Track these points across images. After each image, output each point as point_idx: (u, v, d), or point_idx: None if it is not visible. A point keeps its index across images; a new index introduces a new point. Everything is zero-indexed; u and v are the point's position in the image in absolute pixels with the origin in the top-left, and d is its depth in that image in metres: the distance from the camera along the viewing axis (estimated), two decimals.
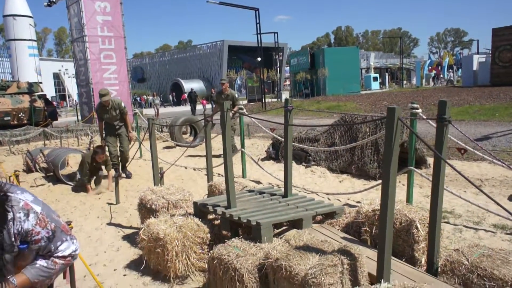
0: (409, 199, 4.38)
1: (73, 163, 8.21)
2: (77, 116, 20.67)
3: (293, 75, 36.91)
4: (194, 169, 7.57)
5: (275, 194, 3.81)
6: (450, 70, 43.39)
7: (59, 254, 1.53)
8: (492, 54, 25.96)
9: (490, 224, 4.04)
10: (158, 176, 4.84)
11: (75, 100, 35.66)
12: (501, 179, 5.78)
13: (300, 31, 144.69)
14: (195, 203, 3.71)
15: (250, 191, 3.97)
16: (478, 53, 39.56)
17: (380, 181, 5.01)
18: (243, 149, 6.65)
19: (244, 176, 6.63)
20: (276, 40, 32.22)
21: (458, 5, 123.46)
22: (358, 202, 4.89)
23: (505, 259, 2.50)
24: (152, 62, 52.76)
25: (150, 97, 23.70)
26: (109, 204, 5.51)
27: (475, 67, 28.20)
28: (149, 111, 28.42)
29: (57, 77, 52.25)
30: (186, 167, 7.78)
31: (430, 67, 43.67)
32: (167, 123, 13.12)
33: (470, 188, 5.45)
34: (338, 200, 5.11)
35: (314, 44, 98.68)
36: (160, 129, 12.45)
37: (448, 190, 4.31)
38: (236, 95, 8.70)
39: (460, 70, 38.36)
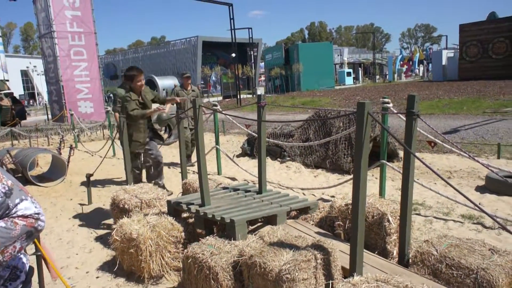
0: (381, 192, 4.47)
1: (43, 164, 7.98)
2: (47, 114, 20.08)
3: (268, 71, 36.99)
4: (169, 167, 7.49)
5: (249, 191, 3.81)
6: (421, 64, 44.45)
7: (19, 213, 1.40)
8: (459, 49, 26.77)
9: (459, 215, 4.17)
10: (131, 175, 4.76)
11: (45, 99, 34.60)
12: (469, 171, 5.96)
13: (274, 26, 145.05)
14: (168, 202, 3.67)
15: (224, 188, 3.96)
16: (447, 48, 40.69)
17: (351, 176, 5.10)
18: (217, 146, 6.61)
19: (219, 173, 6.61)
20: (251, 36, 32.14)
21: (427, 1, 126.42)
22: (332, 196, 4.96)
23: (471, 248, 2.59)
24: (125, 58, 51.77)
25: None
26: (81, 204, 5.39)
27: (444, 62, 29.02)
28: None
29: (25, 74, 50.60)
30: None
31: (401, 62, 44.62)
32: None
33: (440, 180, 5.61)
34: (313, 195, 5.16)
35: (289, 40, 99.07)
36: None
37: (418, 183, 4.42)
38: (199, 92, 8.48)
39: (430, 65, 39.34)
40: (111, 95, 39.58)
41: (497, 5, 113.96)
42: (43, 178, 6.92)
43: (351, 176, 5.24)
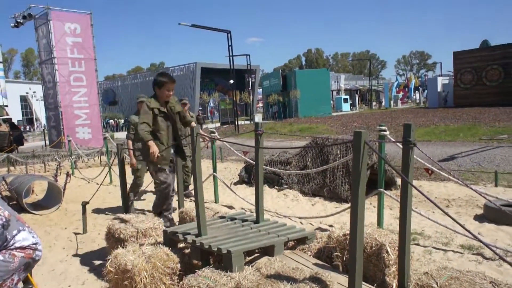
0: (380, 222, 4.43)
1: (38, 191, 7.92)
2: (45, 140, 20.08)
3: (265, 97, 37.32)
4: None
5: (246, 220, 3.77)
6: (417, 91, 45.00)
7: (17, 244, 1.38)
8: (454, 76, 27.17)
9: (458, 245, 4.13)
10: (128, 203, 4.72)
11: (43, 124, 34.70)
12: (467, 199, 5.94)
13: (272, 53, 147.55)
14: (165, 232, 3.62)
15: (221, 217, 3.92)
16: (441, 75, 41.31)
17: (350, 205, 5.06)
18: (215, 173, 6.59)
19: (216, 201, 6.56)
20: (249, 62, 32.64)
21: (422, 29, 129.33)
22: (331, 225, 4.91)
23: (472, 281, 2.54)
24: (124, 84, 52.25)
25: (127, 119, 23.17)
26: (76, 233, 5.31)
27: (439, 89, 29.40)
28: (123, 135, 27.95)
29: (24, 100, 50.88)
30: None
31: (397, 89, 45.19)
32: (138, 147, 12.92)
33: (437, 209, 5.57)
34: (310, 224, 5.11)
35: (286, 66, 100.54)
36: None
37: (416, 212, 4.40)
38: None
39: (425, 92, 39.82)
40: (110, 121, 39.75)
41: (489, 33, 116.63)
42: (38, 206, 6.85)
43: (349, 205, 5.21)
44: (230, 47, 23.11)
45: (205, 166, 10.41)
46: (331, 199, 6.21)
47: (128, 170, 5.81)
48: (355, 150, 2.29)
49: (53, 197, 6.86)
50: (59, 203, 6.62)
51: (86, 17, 16.50)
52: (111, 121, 39.85)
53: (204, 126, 27.95)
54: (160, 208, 4.72)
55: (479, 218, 4.98)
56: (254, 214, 3.83)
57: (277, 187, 7.03)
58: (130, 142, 6.17)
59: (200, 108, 37.29)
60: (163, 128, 4.42)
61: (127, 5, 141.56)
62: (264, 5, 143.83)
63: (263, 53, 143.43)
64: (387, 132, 4.60)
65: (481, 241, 2.38)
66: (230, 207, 6.22)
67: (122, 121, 41.69)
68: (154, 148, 4.10)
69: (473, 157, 9.14)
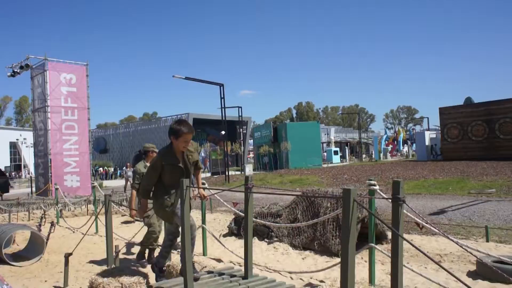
0: (371, 278, 4.33)
1: (20, 240, 7.66)
2: (31, 188, 19.73)
3: (256, 148, 37.62)
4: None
5: (235, 275, 3.66)
6: (405, 144, 45.80)
7: None
8: (441, 131, 27.83)
9: None
10: (113, 256, 4.57)
11: (31, 171, 34.26)
12: (459, 254, 5.87)
13: (263, 105, 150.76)
14: (150, 287, 3.48)
15: (209, 272, 3.81)
16: (429, 129, 42.29)
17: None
18: (204, 225, 6.47)
19: (204, 253, 6.38)
20: (240, 114, 33.22)
21: (408, 85, 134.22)
22: (321, 281, 4.77)
23: None
24: (116, 133, 52.48)
25: (124, 168, 22.84)
26: (56, 287, 5.08)
27: (427, 142, 29.97)
28: (117, 183, 27.66)
29: (14, 146, 50.57)
30: None
31: (386, 142, 45.98)
32: (127, 197, 12.73)
33: (430, 264, 5.48)
34: (301, 279, 4.96)
35: (277, 118, 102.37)
36: (120, 203, 12.03)
37: (408, 268, 4.31)
38: None
39: (414, 145, 40.52)
40: (99, 168, 39.43)
41: (472, 90, 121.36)
42: (19, 257, 6.58)
43: (339, 260, 5.12)
44: (222, 99, 23.59)
45: (194, 217, 10.22)
46: (322, 253, 6.08)
47: (116, 219, 5.67)
48: (345, 206, 2.30)
49: (35, 248, 6.62)
50: (41, 254, 6.38)
51: (82, 68, 16.86)
52: (101, 169, 39.53)
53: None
54: (164, 261, 4.32)
55: (472, 275, 4.89)
56: (243, 269, 3.73)
57: (267, 240, 6.89)
58: (134, 193, 5.85)
59: None
60: (175, 184, 3.87)
61: (124, 56, 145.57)
62: (257, 58, 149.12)
63: (255, 105, 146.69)
64: (377, 187, 4.61)
65: None
66: (219, 260, 6.05)
67: (112, 169, 41.40)
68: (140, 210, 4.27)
69: (463, 211, 9.15)
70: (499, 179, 13.73)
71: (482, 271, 4.78)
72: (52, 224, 6.74)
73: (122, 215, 10.74)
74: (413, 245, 2.04)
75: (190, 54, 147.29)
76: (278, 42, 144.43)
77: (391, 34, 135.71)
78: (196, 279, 3.51)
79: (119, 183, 28.90)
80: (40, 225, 7.66)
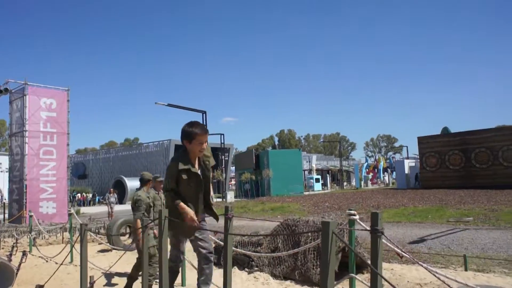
0: None
1: None
2: (4, 214, 19.06)
3: (238, 175, 37.51)
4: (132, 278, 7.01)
5: None
6: (385, 172, 46.42)
7: None
8: (420, 159, 28.37)
9: None
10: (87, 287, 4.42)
11: (5, 197, 33.18)
12: (439, 283, 5.88)
13: (246, 132, 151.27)
14: None
15: None
16: (408, 157, 43.06)
17: None
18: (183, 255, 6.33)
19: (183, 284, 6.23)
20: (223, 141, 33.24)
21: (388, 113, 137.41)
22: None
23: None
24: (96, 158, 51.66)
25: (107, 194, 22.35)
26: None
27: (406, 171, 30.44)
28: (95, 210, 26.97)
29: None
30: (121, 275, 7.20)
31: (367, 170, 46.52)
32: (104, 224, 12.43)
33: None
34: None
35: (259, 146, 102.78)
36: (97, 231, 11.71)
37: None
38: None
39: (394, 173, 41.09)
40: (77, 194, 38.49)
41: (449, 120, 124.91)
42: None
43: None
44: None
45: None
46: (302, 283, 6.01)
47: (92, 248, 5.47)
48: (324, 239, 2.30)
49: (3, 279, 6.34)
50: (10, 286, 6.11)
51: (63, 93, 16.72)
52: (79, 195, 38.61)
53: None
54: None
55: None
56: None
57: (247, 270, 6.79)
58: (139, 222, 5.62)
59: None
60: (192, 194, 3.62)
61: (105, 80, 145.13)
62: (240, 86, 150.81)
63: (237, 132, 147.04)
64: (357, 217, 4.63)
65: None
66: None
67: (90, 195, 40.48)
68: (188, 211, 3.52)
69: (442, 239, 9.23)
70: (476, 207, 13.99)
71: None
72: (24, 253, 6.51)
73: (99, 244, 10.44)
74: (388, 282, 2.05)
75: (173, 80, 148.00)
76: (261, 70, 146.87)
77: (371, 64, 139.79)
78: None
79: (97, 209, 28.23)
80: (11, 254, 7.37)
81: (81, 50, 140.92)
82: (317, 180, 41.57)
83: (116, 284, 6.55)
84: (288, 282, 6.21)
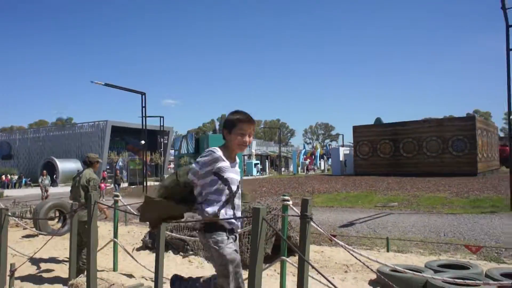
0: None
1: None
2: None
3: (177, 159, 37.00)
4: (59, 262, 6.72)
5: None
6: (322, 159, 48.20)
7: None
8: (354, 147, 29.77)
9: None
10: (6, 276, 4.17)
11: None
12: (361, 265, 6.29)
13: (186, 116, 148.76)
14: None
15: None
16: (343, 145, 44.99)
17: None
18: (115, 239, 6.19)
19: (115, 269, 6.09)
20: (162, 124, 32.47)
21: (325, 103, 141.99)
22: None
23: None
24: (23, 138, 48.11)
25: (40, 177, 20.89)
26: None
27: (341, 158, 31.81)
28: (21, 192, 25.20)
29: None
30: (47, 261, 6.87)
31: (305, 156, 47.98)
32: (31, 208, 11.72)
33: (337, 274, 5.82)
34: None
35: (200, 129, 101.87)
36: (22, 215, 11.02)
37: (316, 279, 4.53)
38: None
39: (330, 160, 42.79)
40: (1, 176, 35.71)
41: (381, 111, 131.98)
42: None
43: None
44: (143, 108, 22.90)
45: (107, 230, 9.73)
46: None
47: (16, 233, 5.13)
48: (254, 225, 2.37)
49: None
50: None
51: None
52: (3, 176, 35.89)
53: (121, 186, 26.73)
54: None
55: (373, 284, 5.28)
56: (153, 285, 3.63)
57: (182, 254, 6.79)
58: (101, 206, 5.52)
59: (108, 167, 35.48)
60: (222, 195, 2.72)
61: (36, 55, 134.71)
62: (181, 68, 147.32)
63: (178, 115, 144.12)
64: (290, 202, 4.81)
65: None
66: (130, 276, 5.81)
67: (16, 177, 37.85)
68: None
69: (369, 223, 9.84)
70: (401, 193, 15.04)
71: (380, 279, 5.18)
72: None
73: (23, 229, 9.84)
74: (311, 265, 2.17)
75: (112, 59, 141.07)
76: (203, 52, 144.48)
77: (312, 53, 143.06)
78: None
79: (24, 192, 26.48)
80: None
81: (12, 20, 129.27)
82: (256, 165, 42.16)
83: (42, 271, 6.25)
84: None
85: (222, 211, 2.68)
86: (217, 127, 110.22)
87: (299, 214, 2.92)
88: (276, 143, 65.30)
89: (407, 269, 4.78)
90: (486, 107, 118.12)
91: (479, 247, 6.30)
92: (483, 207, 11.20)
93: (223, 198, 2.71)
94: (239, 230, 2.82)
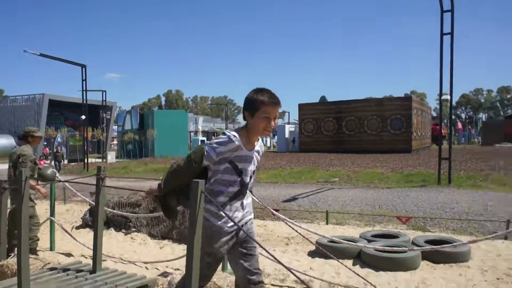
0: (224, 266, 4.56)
1: None
2: None
3: (121, 135, 35.85)
4: None
5: (82, 270, 3.48)
6: (268, 136, 48.83)
7: None
8: (299, 125, 30.46)
9: (293, 280, 4.50)
10: None
11: None
12: (302, 237, 6.57)
13: (131, 91, 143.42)
14: None
15: (52, 269, 3.54)
16: (289, 123, 45.83)
17: None
18: (52, 217, 5.95)
19: (52, 248, 5.88)
20: (104, 99, 31.10)
21: (272, 81, 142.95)
22: (177, 269, 4.85)
23: None
24: None
25: None
26: None
27: (287, 135, 32.47)
28: None
29: None
30: None
31: None
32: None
33: (278, 246, 6.03)
34: (156, 268, 4.96)
35: (145, 105, 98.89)
36: None
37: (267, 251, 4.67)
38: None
39: (275, 137, 43.48)
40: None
41: (326, 90, 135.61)
42: None
43: None
44: (84, 82, 21.71)
45: (44, 208, 9.30)
46: (179, 242, 6.16)
47: None
48: (192, 198, 2.37)
49: None
50: None
51: None
52: None
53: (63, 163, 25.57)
54: None
55: (312, 254, 5.54)
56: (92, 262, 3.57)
57: (124, 231, 6.68)
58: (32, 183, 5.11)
59: (45, 143, 33.55)
60: (230, 192, 2.58)
61: None
62: (126, 41, 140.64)
63: (122, 90, 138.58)
64: None
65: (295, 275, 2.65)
66: (69, 255, 5.64)
67: None
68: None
69: (311, 198, 10.22)
70: (342, 169, 15.70)
71: (318, 250, 5.45)
72: None
73: None
74: (260, 245, 2.24)
75: (49, 28, 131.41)
76: (149, 24, 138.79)
77: (258, 30, 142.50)
78: None
79: None
80: None
81: None
82: (203, 142, 41.93)
83: None
84: (165, 241, 6.30)
85: (227, 208, 2.55)
86: (163, 102, 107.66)
87: None
88: (223, 119, 65.11)
89: (343, 239, 5.07)
90: (422, 88, 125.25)
91: (408, 218, 6.79)
92: (415, 181, 12.01)
93: (234, 189, 2.56)
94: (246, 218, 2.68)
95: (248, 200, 2.68)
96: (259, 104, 2.49)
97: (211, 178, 2.56)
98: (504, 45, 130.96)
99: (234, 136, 2.48)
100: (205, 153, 2.49)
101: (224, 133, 2.54)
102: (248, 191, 2.66)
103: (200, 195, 2.39)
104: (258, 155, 2.70)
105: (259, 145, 2.69)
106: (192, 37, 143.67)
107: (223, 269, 4.37)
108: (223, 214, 2.53)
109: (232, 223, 2.54)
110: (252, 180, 2.67)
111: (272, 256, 2.77)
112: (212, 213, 2.57)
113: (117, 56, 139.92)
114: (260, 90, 2.57)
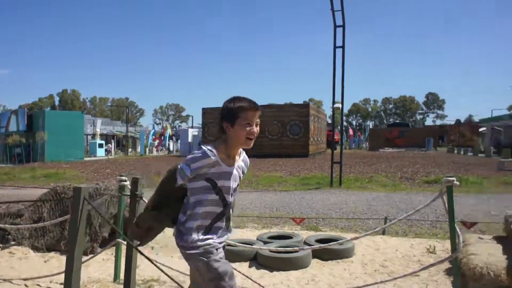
0: (116, 274, 4.34)
1: None
2: None
3: (4, 137, 32.19)
4: None
5: None
6: (171, 140, 47.97)
7: None
8: (203, 128, 30.45)
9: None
10: None
11: None
12: None
13: (20, 88, 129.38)
14: None
15: None
16: (193, 127, 45.55)
17: (89, 257, 4.81)
18: None
19: None
20: None
21: (176, 84, 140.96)
22: (62, 283, 4.49)
23: None
24: None
25: None
26: None
27: (190, 139, 32.22)
28: None
29: None
30: None
31: (154, 137, 47.01)
32: None
33: (176, 253, 5.92)
34: (38, 285, 4.52)
35: (36, 105, 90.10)
36: None
37: (149, 259, 4.54)
38: None
39: (179, 141, 42.87)
40: None
41: (232, 94, 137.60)
42: None
43: (88, 257, 4.93)
44: None
45: None
46: (67, 253, 5.70)
47: None
48: (74, 207, 2.23)
49: None
50: None
51: None
52: None
53: None
54: None
55: None
56: None
57: (1, 245, 5.98)
58: None
59: None
60: (211, 212, 2.29)
61: None
62: (15, 32, 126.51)
63: (8, 87, 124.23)
64: (127, 183, 4.66)
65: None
66: None
67: None
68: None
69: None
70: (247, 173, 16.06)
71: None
72: None
73: None
74: (140, 252, 2.16)
75: None
76: (42, 11, 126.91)
77: (165, 34, 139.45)
78: None
79: None
80: None
81: None
82: (101, 146, 39.48)
83: None
84: (52, 253, 5.79)
85: (208, 236, 2.24)
86: (57, 103, 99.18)
87: (129, 194, 2.87)
88: (124, 122, 62.22)
89: (241, 242, 5.17)
90: (319, 97, 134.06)
91: (302, 219, 7.19)
92: (310, 184, 12.79)
93: (214, 209, 2.27)
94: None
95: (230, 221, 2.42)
96: (239, 110, 2.28)
97: (189, 197, 2.29)
98: (389, 58, 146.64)
99: (210, 150, 2.23)
100: (179, 168, 2.25)
101: (199, 147, 2.32)
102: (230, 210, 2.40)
103: (83, 202, 2.25)
104: (242, 171, 2.42)
105: (242, 159, 2.42)
106: (90, 31, 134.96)
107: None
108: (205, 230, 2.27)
109: (217, 239, 2.28)
110: (233, 198, 2.40)
111: (148, 258, 2.71)
112: (194, 231, 2.26)
113: (4, 48, 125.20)
114: (237, 97, 2.38)
